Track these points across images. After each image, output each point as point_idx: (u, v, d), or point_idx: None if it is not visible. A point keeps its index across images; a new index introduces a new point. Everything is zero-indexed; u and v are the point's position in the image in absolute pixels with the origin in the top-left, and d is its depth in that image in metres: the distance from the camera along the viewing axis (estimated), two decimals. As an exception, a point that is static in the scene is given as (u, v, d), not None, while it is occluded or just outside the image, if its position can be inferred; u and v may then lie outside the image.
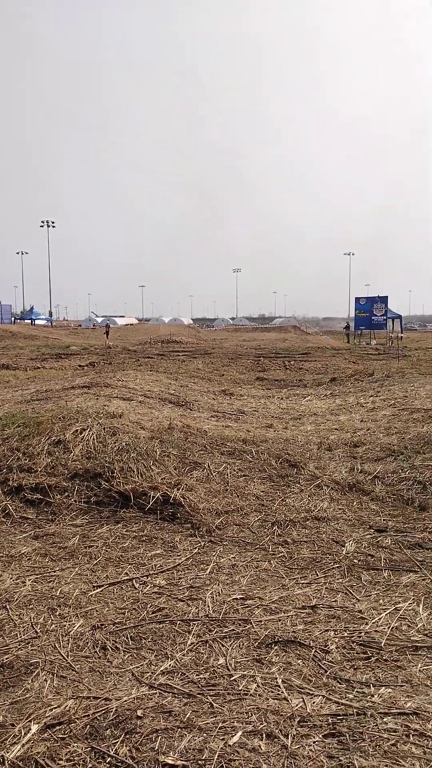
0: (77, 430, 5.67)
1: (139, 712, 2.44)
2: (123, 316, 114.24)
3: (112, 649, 2.91)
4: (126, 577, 3.62)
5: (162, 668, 2.74)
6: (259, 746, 2.23)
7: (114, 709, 2.44)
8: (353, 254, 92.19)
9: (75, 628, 3.09)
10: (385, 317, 39.04)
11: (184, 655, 2.83)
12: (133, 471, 4.95)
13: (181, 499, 4.60)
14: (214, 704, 2.47)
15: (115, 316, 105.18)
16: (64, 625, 3.11)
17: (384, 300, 39.08)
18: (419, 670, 2.68)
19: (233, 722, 2.36)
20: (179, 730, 2.33)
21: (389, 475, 5.53)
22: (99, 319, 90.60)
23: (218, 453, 6.15)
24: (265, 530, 4.37)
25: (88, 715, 2.40)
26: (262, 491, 5.20)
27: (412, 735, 2.26)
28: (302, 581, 3.56)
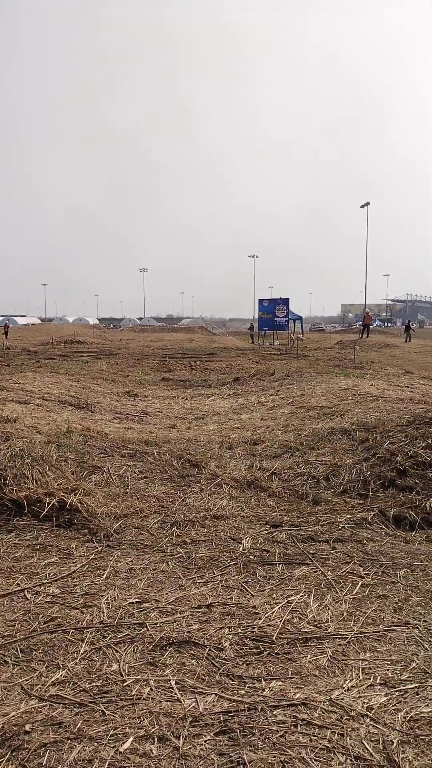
0: (-32, 436, 5.39)
1: (28, 727, 2.35)
2: (24, 316, 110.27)
3: (0, 663, 2.79)
4: (17, 588, 3.49)
5: (53, 679, 2.66)
6: (151, 750, 2.21)
7: (0, 726, 2.34)
8: (257, 257, 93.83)
9: (-40, 645, 2.93)
10: (286, 318, 40.20)
11: (76, 664, 2.76)
12: (28, 477, 4.77)
13: (78, 505, 4.50)
14: (106, 711, 2.43)
15: (16, 316, 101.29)
16: None
17: (286, 302, 40.22)
18: (308, 661, 2.77)
19: (125, 728, 2.33)
20: (69, 741, 2.27)
21: (286, 471, 5.69)
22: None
23: (119, 455, 6.07)
24: (164, 531, 4.36)
25: (-28, 736, 2.29)
26: (163, 492, 5.19)
27: (300, 725, 2.34)
28: (199, 581, 3.59)
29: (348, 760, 2.15)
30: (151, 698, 2.52)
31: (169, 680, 2.63)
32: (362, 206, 59.90)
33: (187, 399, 11.22)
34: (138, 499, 4.99)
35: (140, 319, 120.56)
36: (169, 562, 3.84)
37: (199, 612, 3.21)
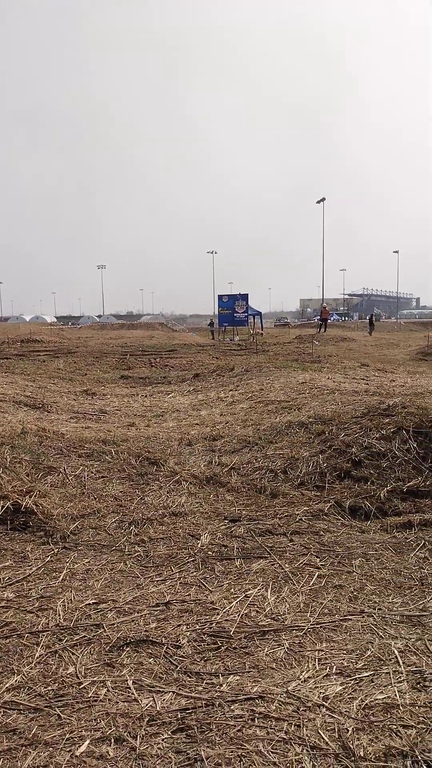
0: None
1: (-20, 737, 2.30)
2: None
3: None
4: (-29, 594, 3.40)
5: (7, 685, 2.60)
6: (108, 752, 2.19)
7: None
8: (216, 252, 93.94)
9: None
10: (246, 314, 40.36)
11: (31, 669, 2.71)
12: (-19, 480, 4.66)
13: (34, 507, 4.41)
14: (62, 715, 2.39)
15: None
16: None
17: (245, 297, 40.38)
18: (265, 654, 2.79)
19: (81, 731, 2.30)
20: (23, 748, 2.23)
21: (244, 465, 5.72)
22: None
23: (76, 456, 5.99)
24: (122, 531, 4.32)
25: None
26: (121, 491, 5.14)
27: (257, 718, 2.35)
28: (157, 579, 3.57)
29: (304, 750, 2.18)
30: (108, 699, 2.49)
31: (126, 680, 2.61)
32: (318, 201, 60.58)
33: (146, 396, 11.16)
34: (95, 499, 4.93)
35: (99, 316, 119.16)
36: (127, 562, 3.81)
37: (156, 610, 3.19)
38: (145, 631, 2.99)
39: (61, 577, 3.60)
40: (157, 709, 2.41)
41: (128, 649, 2.85)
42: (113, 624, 3.06)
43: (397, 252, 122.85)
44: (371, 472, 5.09)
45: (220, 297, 41.66)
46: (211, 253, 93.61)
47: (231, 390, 11.02)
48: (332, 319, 63.10)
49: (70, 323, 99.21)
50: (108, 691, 2.55)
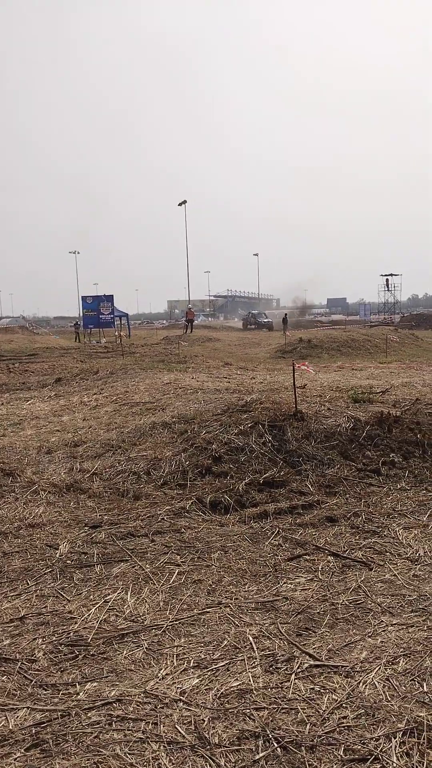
0: None
1: None
2: None
3: None
4: None
5: None
6: None
7: None
8: (78, 253, 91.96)
9: None
10: (112, 315, 39.87)
11: None
12: None
13: None
14: None
15: None
16: None
17: (110, 298, 39.88)
18: (124, 657, 2.78)
19: None
20: None
21: (107, 469, 5.65)
22: None
23: None
24: (-27, 548, 4.08)
25: None
26: (-28, 506, 4.86)
27: (115, 722, 2.33)
28: (11, 594, 3.41)
29: (161, 747, 2.20)
30: None
31: (-24, 703, 2.47)
32: (180, 204, 61.26)
33: (2, 404, 10.63)
34: None
35: None
36: (-22, 580, 3.61)
37: (10, 626, 3.06)
38: (-2, 649, 2.85)
39: None
40: (10, 727, 2.31)
41: (-22, 670, 2.71)
42: (-38, 647, 2.89)
43: (257, 255, 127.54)
44: (231, 466, 5.25)
45: (84, 298, 40.83)
46: (74, 253, 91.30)
47: (95, 393, 10.83)
48: (199, 319, 64.29)
49: None
50: None
